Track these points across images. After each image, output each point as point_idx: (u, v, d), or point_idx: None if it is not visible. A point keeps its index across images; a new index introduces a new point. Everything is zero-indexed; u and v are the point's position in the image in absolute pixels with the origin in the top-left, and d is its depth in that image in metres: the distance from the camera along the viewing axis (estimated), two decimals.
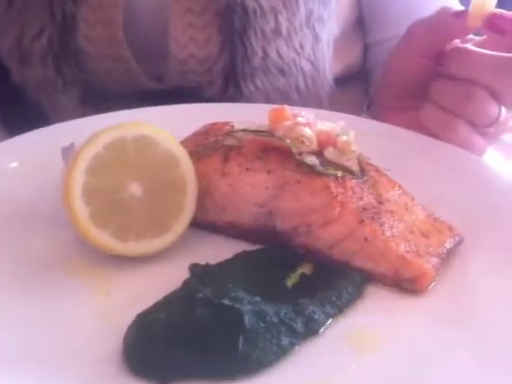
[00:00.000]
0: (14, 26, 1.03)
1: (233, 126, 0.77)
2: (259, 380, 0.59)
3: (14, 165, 0.84)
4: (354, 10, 1.16)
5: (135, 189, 0.71)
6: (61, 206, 0.70)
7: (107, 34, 1.00)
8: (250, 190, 0.72)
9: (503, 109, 0.84)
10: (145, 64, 1.04)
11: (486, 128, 0.85)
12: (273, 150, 0.72)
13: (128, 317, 0.63)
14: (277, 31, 1.00)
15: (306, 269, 0.70)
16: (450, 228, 0.73)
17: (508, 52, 0.82)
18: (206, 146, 0.76)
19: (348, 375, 0.60)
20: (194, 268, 0.68)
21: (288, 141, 0.71)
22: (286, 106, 0.75)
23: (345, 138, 0.72)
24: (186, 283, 0.66)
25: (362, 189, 0.71)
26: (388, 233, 0.68)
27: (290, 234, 0.71)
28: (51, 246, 0.73)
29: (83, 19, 1.00)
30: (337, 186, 0.69)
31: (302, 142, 0.71)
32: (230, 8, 0.98)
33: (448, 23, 0.86)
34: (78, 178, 0.69)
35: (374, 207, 0.70)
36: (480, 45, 0.86)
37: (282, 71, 1.02)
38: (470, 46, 0.85)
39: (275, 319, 0.62)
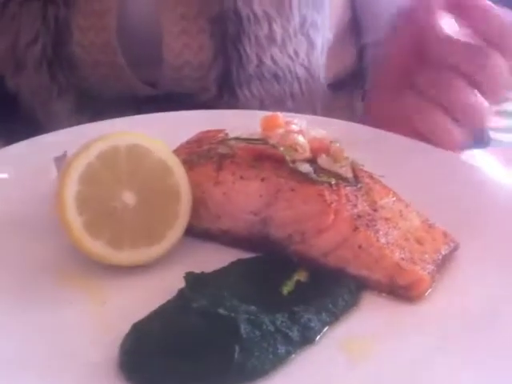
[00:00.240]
0: (7, 33, 1.03)
1: (226, 134, 0.77)
2: None
3: (6, 174, 0.83)
4: (347, 11, 1.16)
5: (129, 198, 0.71)
6: (54, 215, 0.70)
7: (101, 41, 1.00)
8: (244, 198, 0.72)
9: (484, 100, 0.84)
10: (139, 70, 1.04)
11: (464, 118, 0.85)
12: (266, 157, 0.72)
13: (124, 326, 0.62)
14: (271, 38, 1.00)
15: (301, 276, 0.69)
16: (445, 234, 0.72)
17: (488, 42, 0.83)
18: (200, 155, 0.76)
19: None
20: (188, 277, 0.68)
21: (282, 148, 0.71)
22: (278, 114, 0.75)
23: (338, 145, 0.72)
24: (181, 292, 0.66)
25: (356, 196, 0.70)
26: (383, 240, 0.68)
27: (284, 241, 0.71)
28: (45, 255, 0.73)
29: (76, 25, 1.00)
30: (331, 194, 0.69)
31: (296, 150, 0.71)
32: (224, 14, 0.98)
33: None
34: (71, 187, 0.69)
35: (369, 214, 0.70)
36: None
37: (276, 77, 1.02)
38: (452, 34, 0.86)
39: (271, 328, 0.62)
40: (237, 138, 0.75)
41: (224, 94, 1.01)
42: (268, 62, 1.01)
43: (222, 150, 0.75)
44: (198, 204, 0.74)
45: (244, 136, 0.74)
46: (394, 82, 0.92)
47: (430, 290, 0.68)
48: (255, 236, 0.73)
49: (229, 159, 0.73)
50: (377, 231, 0.69)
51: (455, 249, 0.72)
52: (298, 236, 0.70)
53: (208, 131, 0.81)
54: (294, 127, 0.73)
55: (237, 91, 1.01)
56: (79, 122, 0.94)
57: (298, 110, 1.01)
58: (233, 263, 0.71)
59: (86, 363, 0.61)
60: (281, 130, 0.73)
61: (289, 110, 0.98)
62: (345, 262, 0.69)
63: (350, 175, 0.72)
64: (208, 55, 1.00)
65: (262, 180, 0.72)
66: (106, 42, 1.00)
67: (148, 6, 1.02)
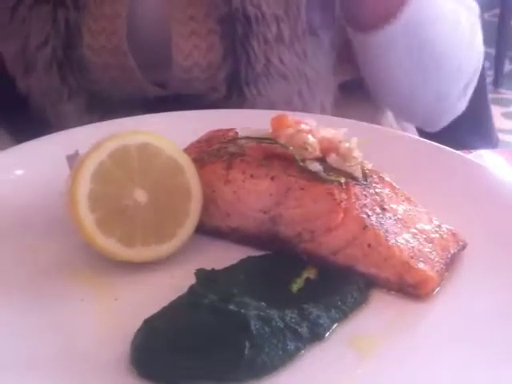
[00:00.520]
0: (18, 36, 1.04)
1: (236, 133, 0.77)
2: None
3: (19, 172, 0.84)
4: None
5: (140, 196, 0.71)
6: (66, 213, 0.71)
7: (111, 44, 1.01)
8: (254, 197, 0.73)
9: None
10: (149, 72, 1.04)
11: None
12: (276, 156, 0.73)
13: (135, 322, 0.63)
14: (279, 38, 1.01)
15: (310, 273, 0.70)
16: (454, 234, 0.73)
17: None
18: (210, 153, 0.76)
19: (353, 380, 0.60)
20: (199, 273, 0.68)
21: (291, 148, 0.72)
22: (287, 113, 0.76)
23: (347, 144, 0.72)
24: (191, 289, 0.66)
25: (365, 195, 0.71)
26: (391, 239, 0.69)
27: (293, 239, 0.72)
28: (57, 252, 0.73)
29: (87, 29, 1.01)
30: (340, 193, 0.70)
31: (305, 149, 0.72)
32: (232, 15, 0.99)
33: None
34: (84, 186, 0.70)
35: (378, 213, 0.70)
36: None
37: (285, 77, 1.03)
38: None
39: (281, 324, 0.62)
40: (247, 137, 0.75)
41: (233, 94, 1.02)
42: (276, 61, 1.01)
43: (232, 148, 0.75)
44: (209, 202, 0.74)
45: (254, 135, 0.75)
46: None
47: (438, 289, 0.68)
48: (265, 234, 0.73)
49: (239, 158, 0.74)
50: (386, 230, 0.69)
51: (463, 248, 0.73)
52: (308, 234, 0.71)
53: (218, 130, 0.81)
54: (304, 127, 0.73)
55: (245, 90, 1.01)
56: (89, 123, 0.95)
57: (307, 109, 1.02)
58: (242, 260, 0.71)
59: (97, 359, 0.62)
60: (290, 130, 0.73)
61: (298, 110, 0.98)
62: (354, 260, 0.70)
63: (359, 174, 0.72)
64: (217, 56, 1.00)
65: (272, 179, 0.72)
66: (116, 45, 1.01)
67: (157, 8, 1.02)
